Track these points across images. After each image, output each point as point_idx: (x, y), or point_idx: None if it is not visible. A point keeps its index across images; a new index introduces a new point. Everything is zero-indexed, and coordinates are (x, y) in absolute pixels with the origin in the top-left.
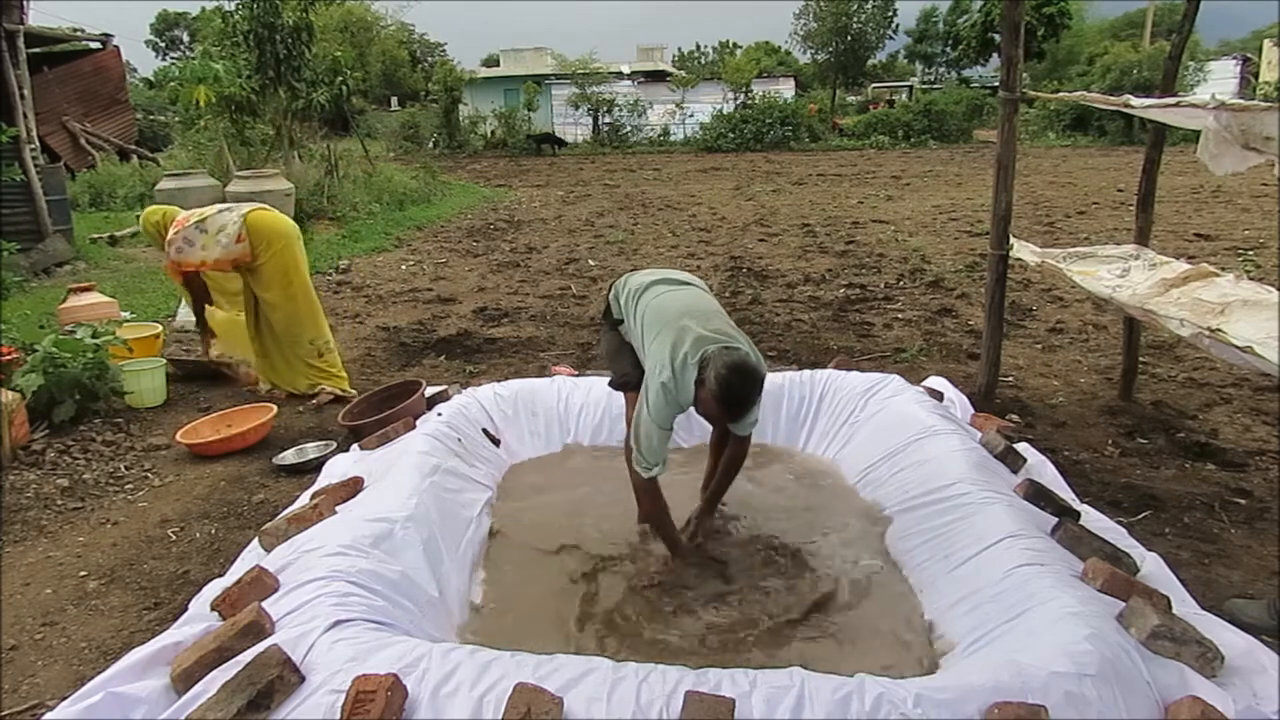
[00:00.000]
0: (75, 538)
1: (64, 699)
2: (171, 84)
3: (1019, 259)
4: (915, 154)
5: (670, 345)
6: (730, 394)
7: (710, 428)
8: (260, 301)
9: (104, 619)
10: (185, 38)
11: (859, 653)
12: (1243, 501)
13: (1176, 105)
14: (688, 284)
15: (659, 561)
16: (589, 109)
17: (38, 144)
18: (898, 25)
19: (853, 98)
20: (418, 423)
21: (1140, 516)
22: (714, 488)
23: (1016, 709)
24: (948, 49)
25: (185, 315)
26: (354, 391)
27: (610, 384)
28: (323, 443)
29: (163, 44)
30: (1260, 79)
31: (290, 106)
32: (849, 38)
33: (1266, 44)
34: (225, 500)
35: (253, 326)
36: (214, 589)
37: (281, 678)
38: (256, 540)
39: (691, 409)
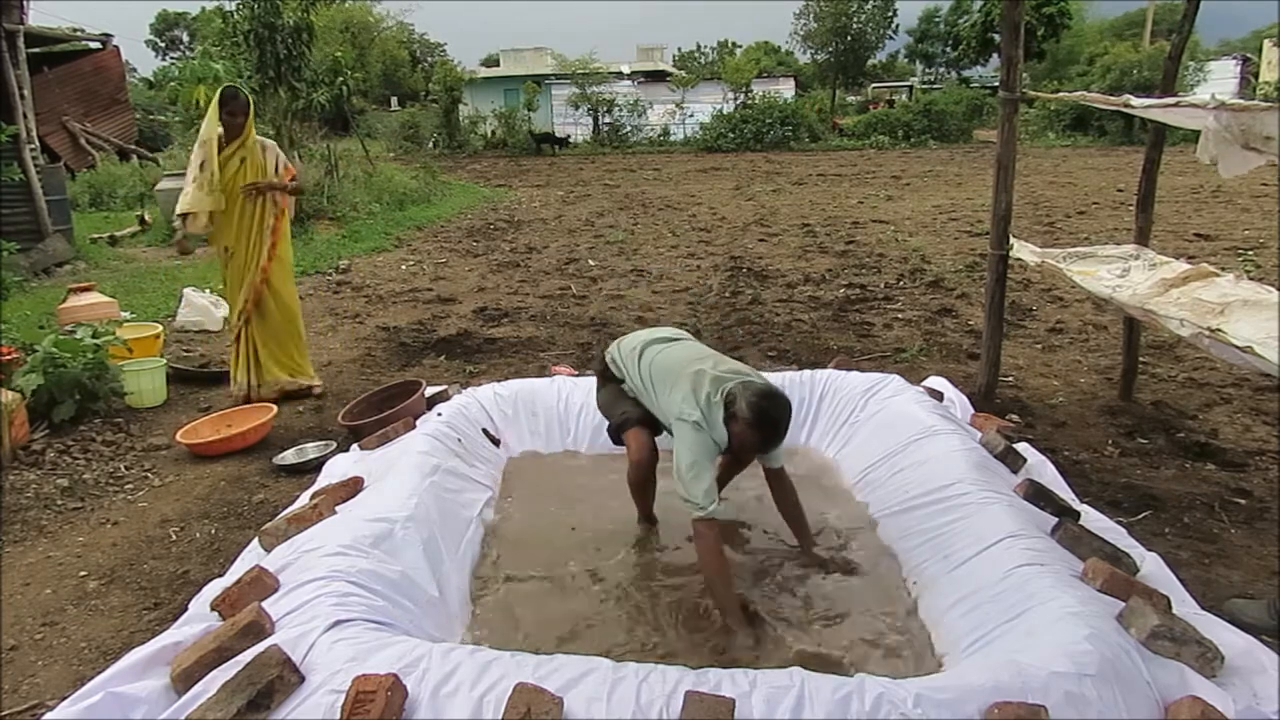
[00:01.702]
0: (75, 538)
1: (64, 699)
2: (171, 84)
3: (1019, 259)
4: (915, 154)
5: (689, 390)
6: (765, 418)
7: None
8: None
9: (104, 619)
10: (185, 38)
11: (859, 652)
12: (1243, 501)
13: (1176, 105)
14: (679, 339)
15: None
16: (589, 109)
17: (38, 144)
18: (898, 25)
19: (853, 98)
20: (418, 423)
21: (1140, 516)
22: (799, 530)
23: (1016, 709)
24: (948, 49)
25: (185, 315)
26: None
27: (610, 431)
28: (323, 443)
29: (163, 44)
30: (1260, 79)
31: (290, 106)
32: (849, 38)
33: (1266, 44)
34: (225, 500)
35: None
36: (214, 589)
37: (281, 678)
38: (256, 540)
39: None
